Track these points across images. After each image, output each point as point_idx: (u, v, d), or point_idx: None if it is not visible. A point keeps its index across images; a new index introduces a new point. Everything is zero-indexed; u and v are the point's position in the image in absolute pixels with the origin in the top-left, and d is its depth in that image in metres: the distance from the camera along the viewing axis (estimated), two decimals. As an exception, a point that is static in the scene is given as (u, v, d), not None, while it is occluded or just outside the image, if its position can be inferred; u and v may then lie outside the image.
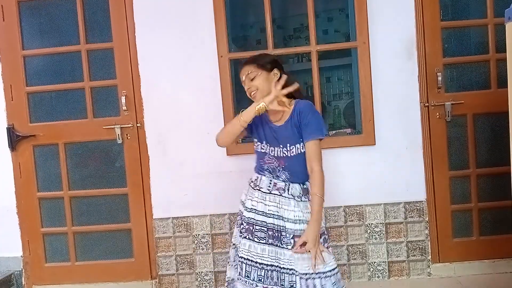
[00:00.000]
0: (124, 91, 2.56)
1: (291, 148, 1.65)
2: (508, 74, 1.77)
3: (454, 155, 2.50)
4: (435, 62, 2.44)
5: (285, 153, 1.66)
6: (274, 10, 2.50)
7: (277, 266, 1.61)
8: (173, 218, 2.56)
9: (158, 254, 2.58)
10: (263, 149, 1.71)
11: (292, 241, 1.61)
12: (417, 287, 2.42)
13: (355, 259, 2.50)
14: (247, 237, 1.66)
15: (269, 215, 1.65)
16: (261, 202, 1.67)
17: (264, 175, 1.70)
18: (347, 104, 3.41)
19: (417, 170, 2.46)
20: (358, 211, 2.48)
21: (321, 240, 1.63)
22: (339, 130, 2.78)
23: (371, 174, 2.47)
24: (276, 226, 1.63)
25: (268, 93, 1.61)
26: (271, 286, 1.60)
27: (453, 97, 2.44)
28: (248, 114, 1.62)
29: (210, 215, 2.54)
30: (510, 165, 1.78)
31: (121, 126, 2.57)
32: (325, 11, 3.56)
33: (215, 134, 2.50)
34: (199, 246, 2.56)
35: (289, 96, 1.66)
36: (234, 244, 1.77)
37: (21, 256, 2.69)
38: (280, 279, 1.60)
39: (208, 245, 2.55)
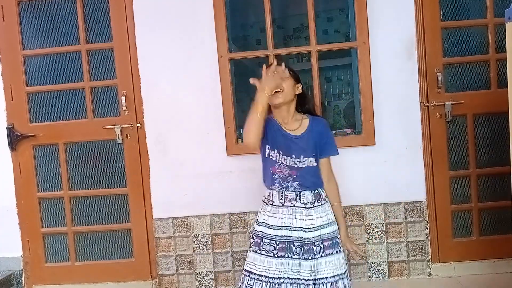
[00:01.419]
0: (124, 91, 2.56)
1: (303, 160, 1.66)
2: (508, 74, 1.77)
3: (454, 155, 2.50)
4: (435, 62, 2.44)
5: (296, 164, 1.65)
6: (274, 10, 2.49)
7: (286, 277, 1.63)
8: (173, 218, 2.56)
9: (158, 254, 2.58)
10: (273, 157, 1.67)
11: (305, 248, 1.64)
12: (417, 287, 2.42)
13: (355, 259, 2.50)
14: (254, 250, 1.67)
15: (281, 228, 1.65)
16: (273, 216, 1.67)
17: (275, 189, 1.69)
18: (347, 104, 3.41)
19: (417, 170, 2.46)
20: (358, 211, 2.48)
21: (335, 241, 1.70)
22: (339, 130, 2.78)
23: (371, 174, 2.47)
24: (288, 237, 1.65)
25: (290, 100, 1.66)
26: None
27: (453, 97, 2.44)
28: (262, 99, 1.54)
29: (210, 215, 2.54)
30: (510, 165, 1.78)
31: (121, 126, 2.57)
32: (325, 11, 3.56)
33: (215, 134, 2.50)
34: (199, 246, 2.56)
35: (304, 110, 1.74)
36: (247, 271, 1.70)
37: (21, 256, 2.69)
38: None
39: (208, 245, 2.55)
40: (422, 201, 2.46)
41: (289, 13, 3.52)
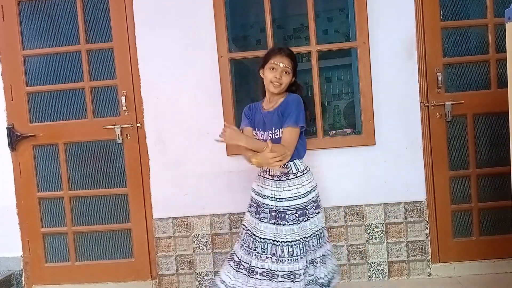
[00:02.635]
0: (124, 91, 2.56)
1: (275, 131, 1.86)
2: (508, 74, 1.77)
3: (454, 155, 2.50)
4: (435, 62, 2.44)
5: (270, 136, 1.87)
6: (274, 10, 2.49)
7: (253, 234, 1.88)
8: (173, 218, 2.56)
9: (158, 254, 2.58)
10: (255, 136, 1.93)
11: (268, 214, 1.86)
12: (417, 287, 2.42)
13: (355, 259, 2.50)
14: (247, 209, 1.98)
15: (256, 193, 1.93)
16: (256, 184, 1.96)
17: None
18: (347, 104, 3.41)
19: (417, 170, 2.46)
20: (358, 211, 2.48)
21: (314, 206, 1.88)
22: (339, 130, 2.78)
23: (371, 174, 2.47)
24: (258, 202, 1.91)
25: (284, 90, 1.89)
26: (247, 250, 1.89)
27: (453, 97, 2.44)
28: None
29: (210, 215, 2.54)
30: (510, 165, 1.79)
31: (121, 126, 2.57)
32: (325, 11, 3.56)
33: (215, 134, 2.51)
34: (199, 246, 2.56)
35: (290, 89, 1.93)
36: (245, 226, 1.98)
37: (21, 256, 2.69)
38: (254, 245, 1.86)
39: (208, 245, 2.55)
40: (422, 201, 2.47)
41: (289, 13, 3.51)
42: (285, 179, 1.84)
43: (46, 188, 2.67)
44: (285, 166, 1.85)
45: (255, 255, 1.85)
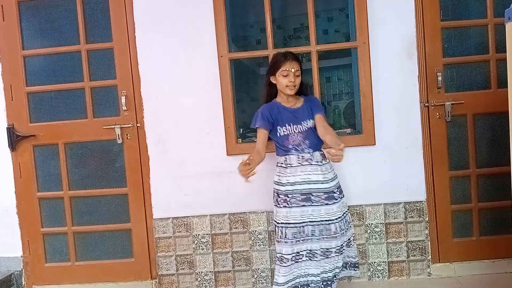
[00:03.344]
0: (124, 91, 2.56)
1: (307, 122, 2.10)
2: (508, 74, 1.77)
3: (454, 155, 2.50)
4: (435, 62, 2.44)
5: (304, 126, 2.08)
6: (274, 10, 2.50)
7: (308, 221, 2.03)
8: (173, 218, 2.56)
9: (158, 254, 2.58)
10: (285, 132, 2.08)
11: (324, 196, 2.04)
12: (417, 287, 2.42)
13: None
14: (285, 206, 2.05)
15: (301, 183, 2.03)
16: (292, 175, 2.05)
17: (292, 154, 2.07)
18: (347, 104, 3.41)
19: (417, 170, 2.46)
20: (358, 211, 2.48)
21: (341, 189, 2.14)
22: (339, 130, 2.77)
23: (371, 174, 2.47)
24: (307, 189, 2.03)
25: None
26: (303, 239, 2.04)
27: (453, 97, 2.44)
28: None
29: (210, 215, 2.54)
30: (510, 165, 1.79)
31: (121, 126, 2.57)
32: (325, 11, 3.56)
33: (215, 134, 2.52)
34: (199, 246, 2.56)
35: (300, 92, 2.15)
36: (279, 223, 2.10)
37: (21, 256, 2.69)
38: (311, 230, 2.03)
39: (208, 245, 2.55)
40: (422, 201, 2.47)
41: (289, 13, 3.52)
42: (326, 162, 2.10)
43: (46, 188, 2.67)
44: (322, 153, 2.11)
45: (310, 240, 2.04)
